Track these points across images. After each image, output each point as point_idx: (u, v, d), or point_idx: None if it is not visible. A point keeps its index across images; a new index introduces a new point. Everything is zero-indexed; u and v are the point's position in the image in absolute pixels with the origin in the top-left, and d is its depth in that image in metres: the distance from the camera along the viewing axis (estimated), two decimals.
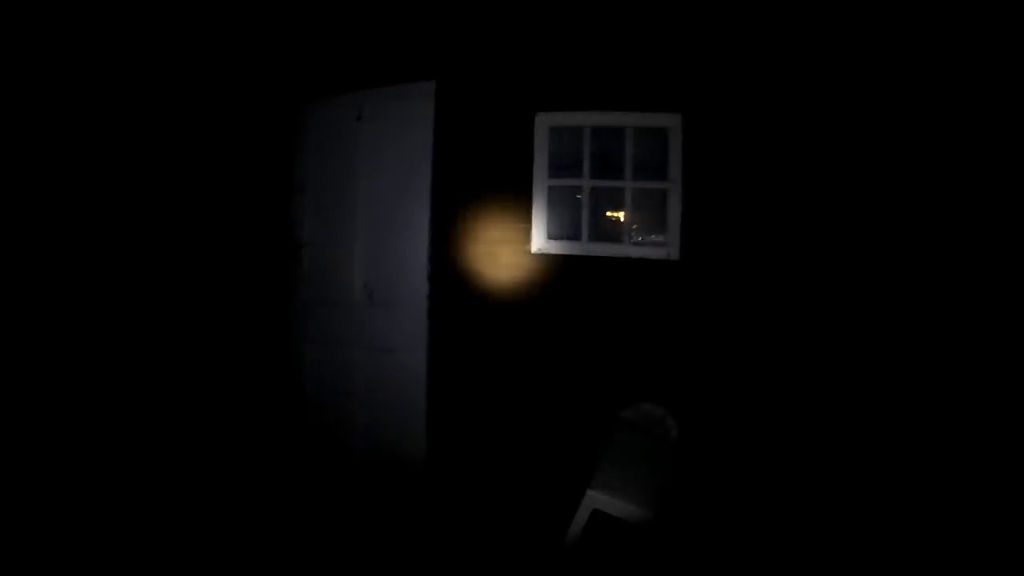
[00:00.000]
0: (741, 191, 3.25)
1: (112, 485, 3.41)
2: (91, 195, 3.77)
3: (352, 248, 3.81)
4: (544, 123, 3.59)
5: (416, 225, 3.62)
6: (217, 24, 4.23)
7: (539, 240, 3.53)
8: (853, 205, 3.10)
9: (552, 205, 3.58)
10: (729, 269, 3.25)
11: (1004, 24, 2.91)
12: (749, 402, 3.17)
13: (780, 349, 3.16)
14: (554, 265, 3.51)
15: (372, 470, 3.73)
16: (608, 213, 3.60)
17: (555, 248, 3.53)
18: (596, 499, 2.47)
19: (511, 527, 3.14)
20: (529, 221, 3.55)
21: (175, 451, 3.89)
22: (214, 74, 4.39)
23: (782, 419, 3.12)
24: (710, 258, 3.28)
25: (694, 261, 3.31)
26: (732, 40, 3.27)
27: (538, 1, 3.54)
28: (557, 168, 3.57)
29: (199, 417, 4.09)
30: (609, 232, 3.57)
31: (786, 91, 3.20)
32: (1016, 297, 2.87)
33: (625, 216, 3.53)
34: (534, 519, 3.08)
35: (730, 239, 3.26)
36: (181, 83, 4.24)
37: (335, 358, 3.85)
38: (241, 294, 4.17)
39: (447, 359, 3.52)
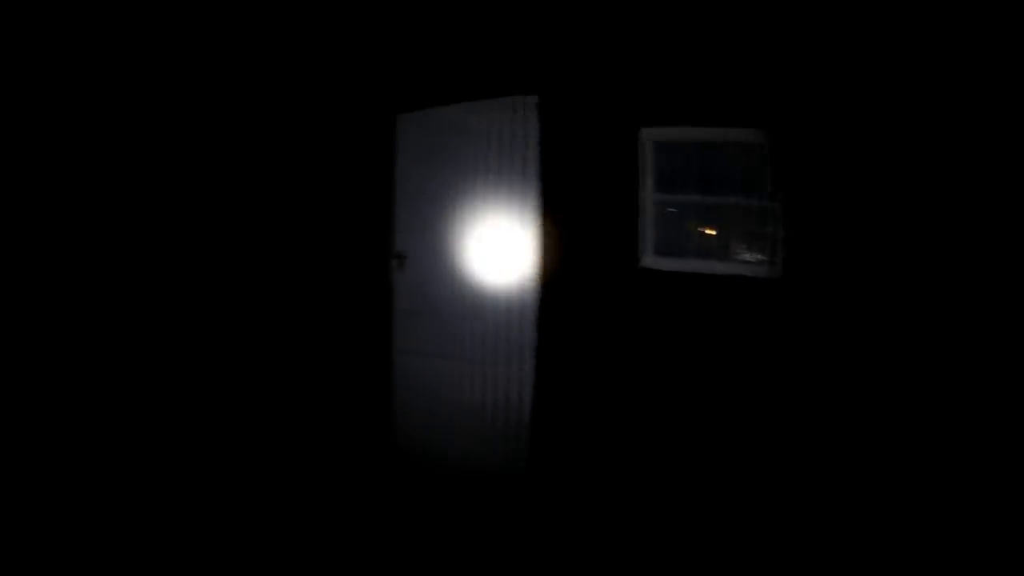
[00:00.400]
0: (841, 208, 3.18)
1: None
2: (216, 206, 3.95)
3: (453, 260, 3.85)
4: (649, 138, 3.57)
5: (519, 238, 3.65)
6: (323, 35, 4.34)
7: (645, 256, 3.53)
8: (951, 221, 2.99)
9: (656, 221, 3.57)
10: (831, 287, 3.17)
11: None
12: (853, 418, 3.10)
13: (882, 364, 3.07)
14: (659, 281, 3.50)
15: (468, 484, 3.77)
16: (707, 230, 3.59)
17: (661, 264, 3.52)
18: None
19: (610, 549, 3.15)
20: (634, 236, 3.54)
21: (279, 456, 4.01)
22: (320, 87, 4.51)
23: (883, 434, 3.04)
24: (811, 276, 3.21)
25: (795, 279, 3.25)
26: (833, 56, 3.20)
27: (643, 15, 3.53)
28: (659, 183, 3.56)
29: (301, 423, 4.21)
30: (713, 249, 3.55)
31: (875, 107, 3.12)
32: None
33: (729, 233, 3.50)
34: (635, 543, 3.10)
35: (831, 256, 3.19)
36: (289, 96, 4.38)
37: (434, 369, 3.90)
38: (342, 303, 4.27)
39: (552, 372, 3.52)
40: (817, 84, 3.22)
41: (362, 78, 4.50)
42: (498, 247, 3.74)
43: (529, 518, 3.47)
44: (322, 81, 4.51)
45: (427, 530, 3.38)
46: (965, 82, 2.96)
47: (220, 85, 4.39)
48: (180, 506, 3.44)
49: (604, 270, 3.56)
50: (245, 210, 4.85)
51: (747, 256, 3.45)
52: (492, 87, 3.91)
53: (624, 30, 3.58)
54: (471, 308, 3.77)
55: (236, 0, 4.16)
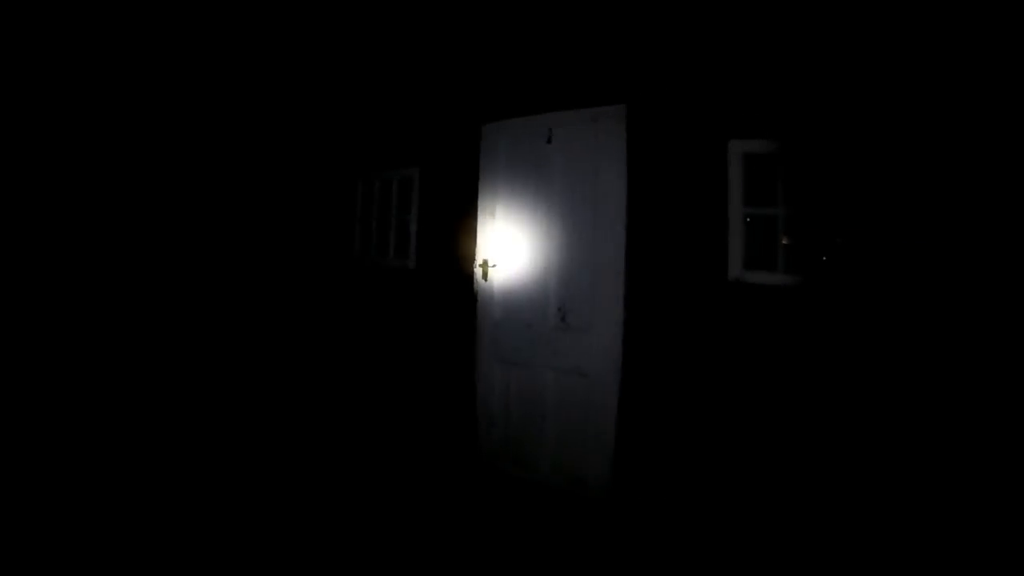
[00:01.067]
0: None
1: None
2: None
3: (545, 270, 3.94)
4: (738, 150, 3.59)
5: (609, 250, 3.71)
6: (411, 45, 4.41)
7: (735, 269, 3.56)
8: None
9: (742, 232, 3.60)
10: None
11: None
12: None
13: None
14: (748, 295, 3.54)
15: (553, 493, 3.89)
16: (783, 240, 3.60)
17: (751, 278, 3.55)
18: None
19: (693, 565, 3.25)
20: (723, 249, 3.58)
21: (358, 463, 4.20)
22: (408, 96, 4.61)
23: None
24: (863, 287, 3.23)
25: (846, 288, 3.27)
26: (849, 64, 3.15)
27: (733, 24, 3.53)
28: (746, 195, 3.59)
29: (384, 432, 4.40)
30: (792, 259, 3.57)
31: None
32: None
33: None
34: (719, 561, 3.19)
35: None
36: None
37: (525, 379, 4.01)
38: (428, 310, 4.41)
39: (639, 386, 3.59)
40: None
41: (448, 88, 4.58)
42: (594, 259, 3.80)
43: (611, 533, 3.55)
44: (410, 89, 4.60)
45: (502, 543, 3.47)
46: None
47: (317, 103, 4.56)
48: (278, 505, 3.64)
49: (692, 282, 3.61)
50: (333, 217, 5.06)
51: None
52: (581, 96, 3.95)
53: (716, 40, 3.58)
54: (571, 319, 3.85)
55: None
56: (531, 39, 4.12)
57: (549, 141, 4.00)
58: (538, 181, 4.06)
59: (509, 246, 4.15)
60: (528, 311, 3.98)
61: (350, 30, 4.90)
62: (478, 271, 4.23)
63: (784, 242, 3.58)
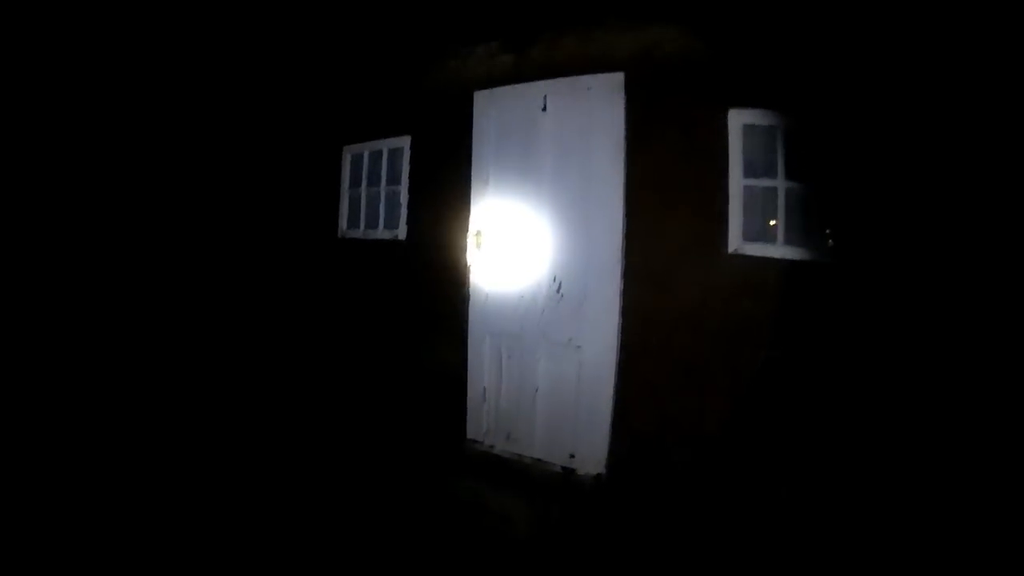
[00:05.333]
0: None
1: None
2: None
3: (540, 240, 3.85)
4: (737, 120, 3.51)
5: (606, 220, 3.62)
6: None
7: (735, 241, 3.50)
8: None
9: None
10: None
11: None
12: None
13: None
14: (747, 267, 3.48)
15: (546, 470, 3.83)
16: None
17: (750, 250, 3.49)
18: None
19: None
20: (722, 222, 3.51)
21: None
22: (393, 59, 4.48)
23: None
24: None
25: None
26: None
27: None
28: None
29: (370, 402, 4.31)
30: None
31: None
32: None
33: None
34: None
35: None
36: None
37: (517, 352, 3.93)
38: (424, 284, 4.31)
39: (637, 359, 3.52)
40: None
41: (435, 49, 4.45)
42: (590, 229, 3.71)
43: (606, 516, 3.47)
44: (398, 54, 4.47)
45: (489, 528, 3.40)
46: None
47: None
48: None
49: (689, 255, 3.54)
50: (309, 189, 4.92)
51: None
52: (577, 65, 3.85)
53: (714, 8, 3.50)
54: (566, 289, 3.76)
55: None
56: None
57: (544, 109, 3.89)
58: (532, 150, 3.95)
59: (503, 216, 4.05)
60: (522, 282, 3.88)
61: None
62: (471, 241, 4.13)
63: (783, 215, 3.52)
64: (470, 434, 4.19)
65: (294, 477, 3.91)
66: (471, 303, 4.10)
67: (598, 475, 3.61)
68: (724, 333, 3.40)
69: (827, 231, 3.41)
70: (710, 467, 3.29)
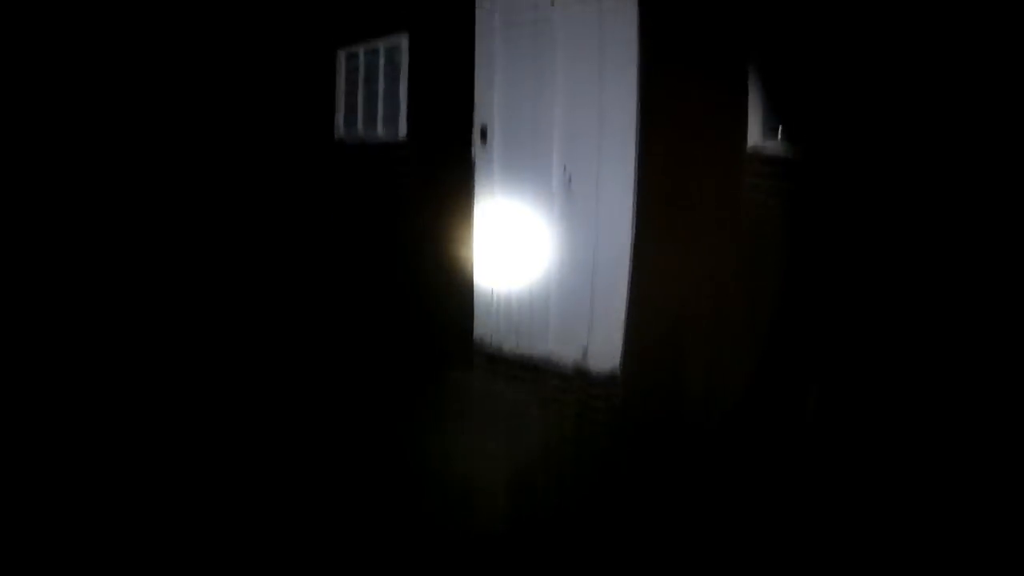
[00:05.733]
0: None
1: None
2: None
3: (550, 133, 3.71)
4: None
5: (621, 112, 3.46)
6: None
7: (753, 136, 3.40)
8: None
9: None
10: None
11: None
12: None
13: None
14: (766, 166, 3.37)
15: (559, 370, 3.79)
16: None
17: (769, 149, 3.38)
18: None
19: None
20: (743, 117, 3.39)
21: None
22: None
23: None
24: None
25: None
26: None
27: None
28: None
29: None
30: None
31: None
32: None
33: None
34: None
35: None
36: None
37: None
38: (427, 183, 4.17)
39: (653, 248, 3.41)
40: None
41: None
42: (602, 122, 3.55)
43: (619, 419, 3.45)
44: None
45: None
46: None
47: None
48: None
49: (706, 150, 3.42)
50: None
51: None
52: None
53: None
54: (576, 183, 3.64)
55: None
56: None
57: (552, 3, 3.71)
58: (540, 44, 3.77)
59: (509, 111, 3.90)
60: (531, 176, 3.77)
61: None
62: (475, 136, 3.98)
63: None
64: (479, 333, 4.12)
65: (302, 384, 3.87)
66: (477, 199, 3.98)
67: (612, 372, 3.56)
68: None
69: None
70: (733, 362, 3.24)
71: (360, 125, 4.86)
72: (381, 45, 4.70)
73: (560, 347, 3.79)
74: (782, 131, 3.11)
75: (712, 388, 3.25)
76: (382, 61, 4.71)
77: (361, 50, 4.84)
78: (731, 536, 2.51)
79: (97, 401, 3.46)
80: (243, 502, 2.76)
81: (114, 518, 2.52)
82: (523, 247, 3.85)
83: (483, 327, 4.11)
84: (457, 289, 4.12)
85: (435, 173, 4.17)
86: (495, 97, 3.92)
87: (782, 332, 3.02)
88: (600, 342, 3.60)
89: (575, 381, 3.68)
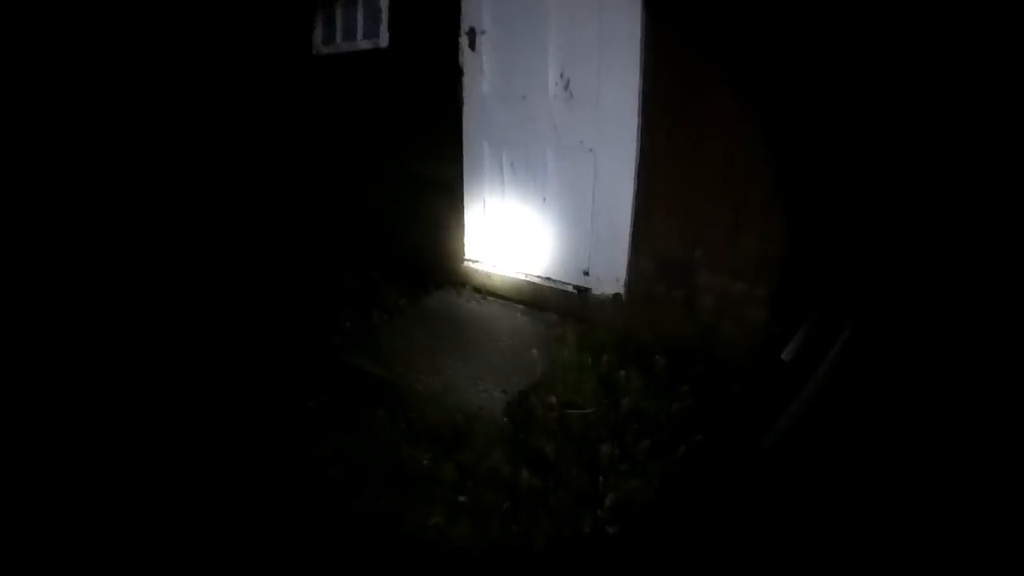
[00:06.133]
0: None
1: None
2: None
3: (544, 35, 3.33)
4: None
5: (621, 9, 3.10)
6: None
7: None
8: None
9: None
10: None
11: None
12: None
13: None
14: None
15: (557, 287, 3.56)
16: None
17: None
18: None
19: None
20: None
21: None
22: None
23: None
24: None
25: None
26: None
27: None
28: None
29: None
30: None
31: None
32: None
33: None
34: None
35: None
36: None
37: (521, 159, 3.54)
38: (411, 91, 3.84)
39: (660, 164, 3.07)
40: None
41: None
42: (602, 22, 3.15)
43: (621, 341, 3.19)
44: None
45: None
46: None
47: None
48: None
49: (717, 44, 3.04)
50: None
51: None
52: None
53: None
54: (575, 87, 3.28)
55: None
56: None
57: None
58: None
59: (499, 12, 3.51)
60: (523, 81, 3.42)
61: None
62: (463, 40, 3.61)
63: None
64: (470, 254, 3.89)
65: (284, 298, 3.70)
66: (465, 109, 3.64)
67: (616, 295, 3.33)
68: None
69: None
70: (746, 292, 2.98)
71: (339, 35, 4.47)
72: None
73: (558, 269, 3.55)
74: None
75: (724, 318, 3.02)
76: None
77: None
78: (735, 471, 2.34)
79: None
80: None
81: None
82: (516, 160, 3.55)
83: (474, 247, 3.86)
84: (445, 206, 3.86)
85: (419, 82, 3.82)
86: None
87: (804, 260, 2.76)
88: (602, 263, 3.35)
89: (575, 305, 3.46)
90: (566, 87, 3.27)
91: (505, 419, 2.70)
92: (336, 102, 4.41)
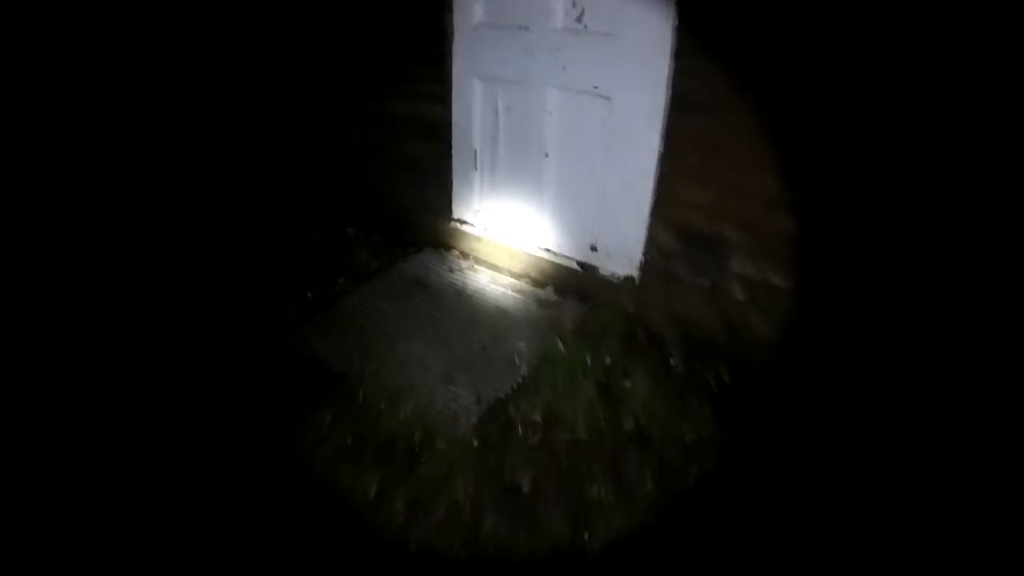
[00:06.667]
0: None
1: None
2: None
3: None
4: None
5: None
6: None
7: None
8: None
9: None
10: None
11: None
12: None
13: None
14: None
15: (557, 261, 2.98)
16: None
17: None
18: None
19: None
20: None
21: None
22: None
23: None
24: None
25: None
26: None
27: None
28: None
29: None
30: None
31: None
32: None
33: None
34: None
35: None
36: None
37: (519, 102, 2.88)
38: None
39: (695, 116, 2.35)
40: None
41: None
42: None
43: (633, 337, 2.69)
44: None
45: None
46: None
47: None
48: None
49: None
50: None
51: None
52: None
53: None
54: (589, 17, 2.56)
55: None
56: None
57: None
58: None
59: None
60: (524, 7, 2.72)
61: None
62: None
63: None
64: (457, 213, 3.30)
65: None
66: (455, 39, 2.96)
67: (628, 277, 2.74)
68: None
69: None
70: (785, 287, 2.36)
71: None
72: None
73: (560, 240, 2.96)
74: None
75: (757, 314, 2.43)
76: None
77: None
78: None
79: None
80: None
81: None
82: (513, 104, 2.90)
83: (462, 205, 3.27)
84: (430, 154, 3.25)
85: (401, 5, 3.12)
86: None
87: (865, 260, 2.14)
88: (612, 237, 2.76)
89: (577, 284, 2.89)
90: (579, 17, 2.58)
91: (475, 440, 2.17)
92: (304, 26, 3.68)
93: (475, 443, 2.16)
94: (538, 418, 2.23)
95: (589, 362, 2.48)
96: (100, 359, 2.46)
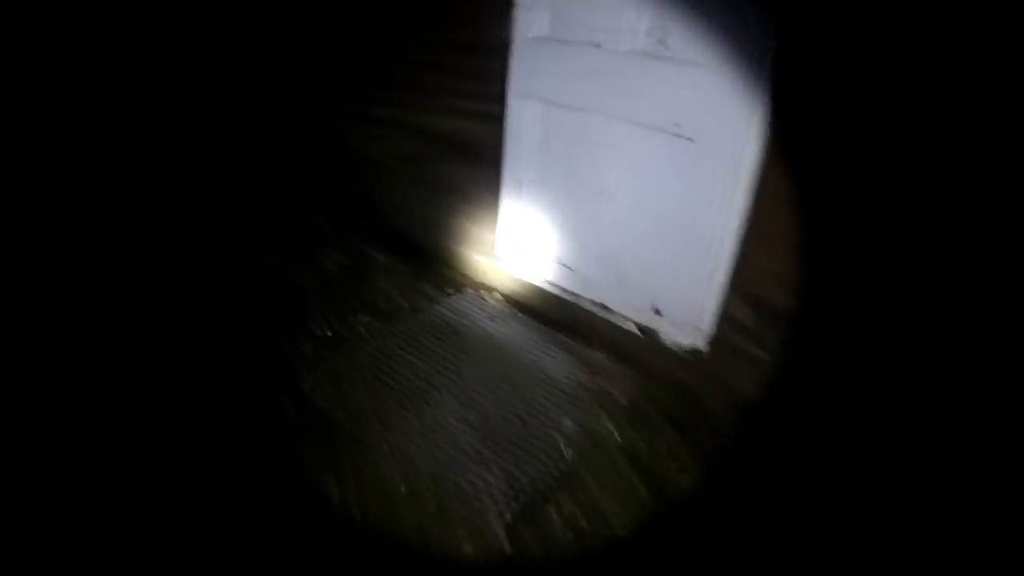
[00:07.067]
0: None
1: None
2: None
3: None
4: None
5: None
6: None
7: None
8: None
9: None
10: None
11: None
12: None
13: None
14: None
15: (612, 320, 2.60)
16: None
17: None
18: None
19: None
20: None
21: None
22: None
23: None
24: None
25: None
26: None
27: None
28: None
29: None
30: None
31: None
32: None
33: None
34: None
35: None
36: None
37: (576, 132, 2.50)
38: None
39: (792, 163, 1.99)
40: None
41: None
42: None
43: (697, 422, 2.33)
44: None
45: None
46: None
47: None
48: None
49: None
50: None
51: None
52: None
53: None
54: (673, 41, 2.18)
55: None
56: None
57: None
58: None
59: None
60: (598, 22, 2.32)
61: None
62: None
63: None
64: (499, 251, 2.95)
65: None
66: (512, 53, 2.57)
67: (694, 349, 2.36)
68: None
69: None
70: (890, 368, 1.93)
71: None
72: None
73: (618, 296, 2.59)
74: None
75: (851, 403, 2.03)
76: None
77: None
78: None
79: None
80: None
81: None
82: (573, 133, 2.52)
83: (507, 241, 2.92)
84: (472, 178, 2.89)
85: (450, 16, 2.73)
86: None
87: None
88: (679, 300, 2.37)
89: (634, 349, 2.51)
90: (663, 39, 2.19)
91: (507, 544, 1.81)
92: (335, 30, 3.28)
93: (508, 548, 1.80)
94: (584, 526, 1.86)
95: (646, 449, 2.11)
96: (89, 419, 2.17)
